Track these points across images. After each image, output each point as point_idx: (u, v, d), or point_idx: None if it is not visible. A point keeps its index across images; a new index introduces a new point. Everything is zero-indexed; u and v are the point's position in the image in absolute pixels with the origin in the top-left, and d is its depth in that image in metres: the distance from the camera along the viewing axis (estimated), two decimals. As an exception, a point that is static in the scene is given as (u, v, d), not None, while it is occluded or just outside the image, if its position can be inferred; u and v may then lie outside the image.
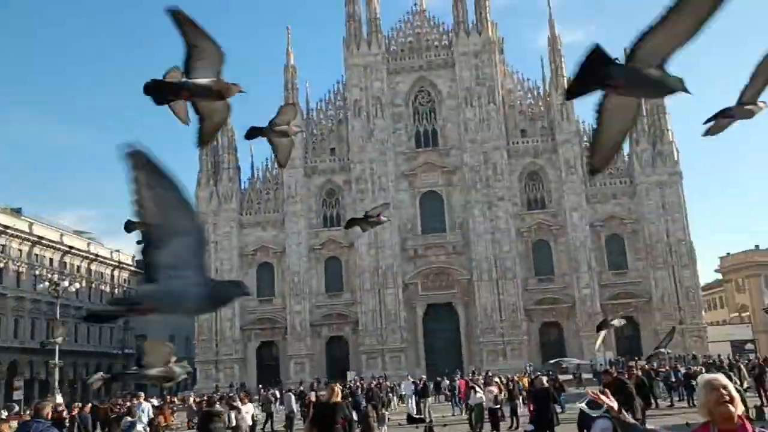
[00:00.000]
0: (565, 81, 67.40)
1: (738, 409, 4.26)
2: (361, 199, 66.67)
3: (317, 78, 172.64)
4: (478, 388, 25.13)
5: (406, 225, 66.59)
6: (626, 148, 67.04)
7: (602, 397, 5.57)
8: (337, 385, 13.86)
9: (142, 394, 28.49)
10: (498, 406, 23.21)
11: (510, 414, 25.86)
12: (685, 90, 2.95)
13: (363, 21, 71.25)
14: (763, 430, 4.49)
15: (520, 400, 28.56)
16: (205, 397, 24.95)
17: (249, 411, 22.88)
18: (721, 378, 4.36)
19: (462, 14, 70.01)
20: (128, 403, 30.36)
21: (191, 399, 31.74)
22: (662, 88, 2.98)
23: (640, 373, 26.16)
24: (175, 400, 44.11)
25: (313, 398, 22.78)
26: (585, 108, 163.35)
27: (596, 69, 2.84)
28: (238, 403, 22.44)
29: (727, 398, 4.24)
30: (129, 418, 23.67)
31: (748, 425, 4.30)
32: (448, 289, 65.28)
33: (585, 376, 47.74)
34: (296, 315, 65.44)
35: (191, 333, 70.89)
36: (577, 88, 2.98)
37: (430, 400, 34.41)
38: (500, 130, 66.78)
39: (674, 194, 64.44)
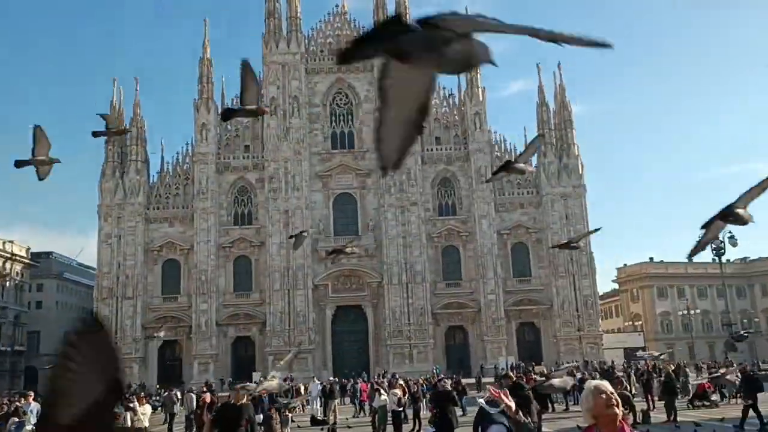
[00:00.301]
0: (480, 92, 69.23)
1: (620, 413, 4.55)
2: (273, 198, 65.94)
3: (234, 73, 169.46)
4: (382, 391, 25.33)
5: (318, 226, 66.29)
6: (534, 160, 69.61)
7: (501, 395, 5.76)
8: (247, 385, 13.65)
9: (32, 394, 26.95)
10: (401, 408, 23.43)
11: (413, 416, 26.19)
12: (492, 62, 2.23)
13: (283, 18, 70.55)
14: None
15: (423, 403, 28.97)
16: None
17: (146, 412, 22.10)
18: (607, 384, 4.66)
19: (383, 18, 70.36)
20: (16, 403, 28.64)
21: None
22: (461, 58, 2.19)
23: (537, 377, 27.09)
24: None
25: (208, 399, 22.45)
26: (497, 120, 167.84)
27: (384, 33, 2.20)
28: (135, 404, 21.66)
29: (614, 402, 4.53)
30: (16, 419, 22.34)
31: (627, 428, 4.59)
32: (358, 292, 65.52)
33: (485, 380, 48.92)
34: (202, 314, 63.83)
35: (89, 330, 67.97)
36: (354, 51, 2.23)
37: (336, 402, 34.34)
38: (415, 136, 67.57)
39: (578, 206, 67.31)
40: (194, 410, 25.89)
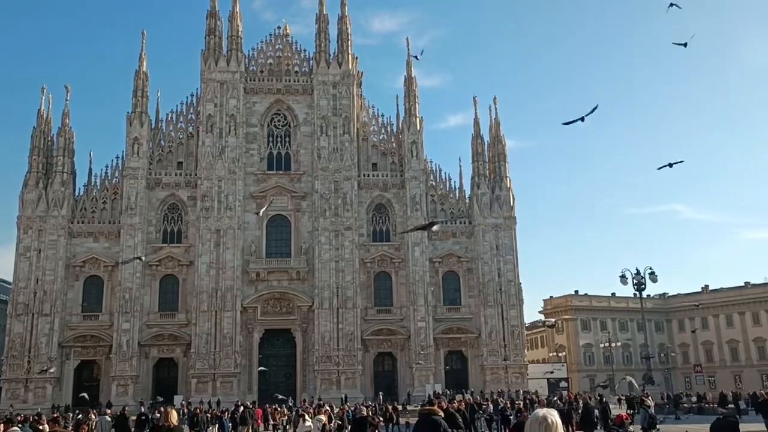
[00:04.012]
0: (418, 121, 70.37)
1: None
2: (205, 216, 64.71)
3: (170, 88, 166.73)
4: (307, 417, 24.99)
5: (250, 247, 65.33)
6: (468, 190, 70.92)
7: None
8: (173, 408, 13.18)
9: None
10: (325, 435, 23.17)
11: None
12: None
13: (224, 37, 70.05)
14: None
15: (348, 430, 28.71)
16: (4, 418, 22.69)
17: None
18: (555, 413, 5.18)
19: (324, 44, 70.89)
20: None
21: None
22: None
23: (462, 406, 27.32)
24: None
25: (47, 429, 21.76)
26: (435, 151, 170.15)
27: None
28: (45, 427, 20.64)
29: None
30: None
31: None
32: (288, 315, 64.71)
33: (410, 407, 48.84)
34: (124, 333, 61.57)
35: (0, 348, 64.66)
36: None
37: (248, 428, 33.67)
38: (352, 161, 67.93)
39: (508, 237, 68.66)
40: None
